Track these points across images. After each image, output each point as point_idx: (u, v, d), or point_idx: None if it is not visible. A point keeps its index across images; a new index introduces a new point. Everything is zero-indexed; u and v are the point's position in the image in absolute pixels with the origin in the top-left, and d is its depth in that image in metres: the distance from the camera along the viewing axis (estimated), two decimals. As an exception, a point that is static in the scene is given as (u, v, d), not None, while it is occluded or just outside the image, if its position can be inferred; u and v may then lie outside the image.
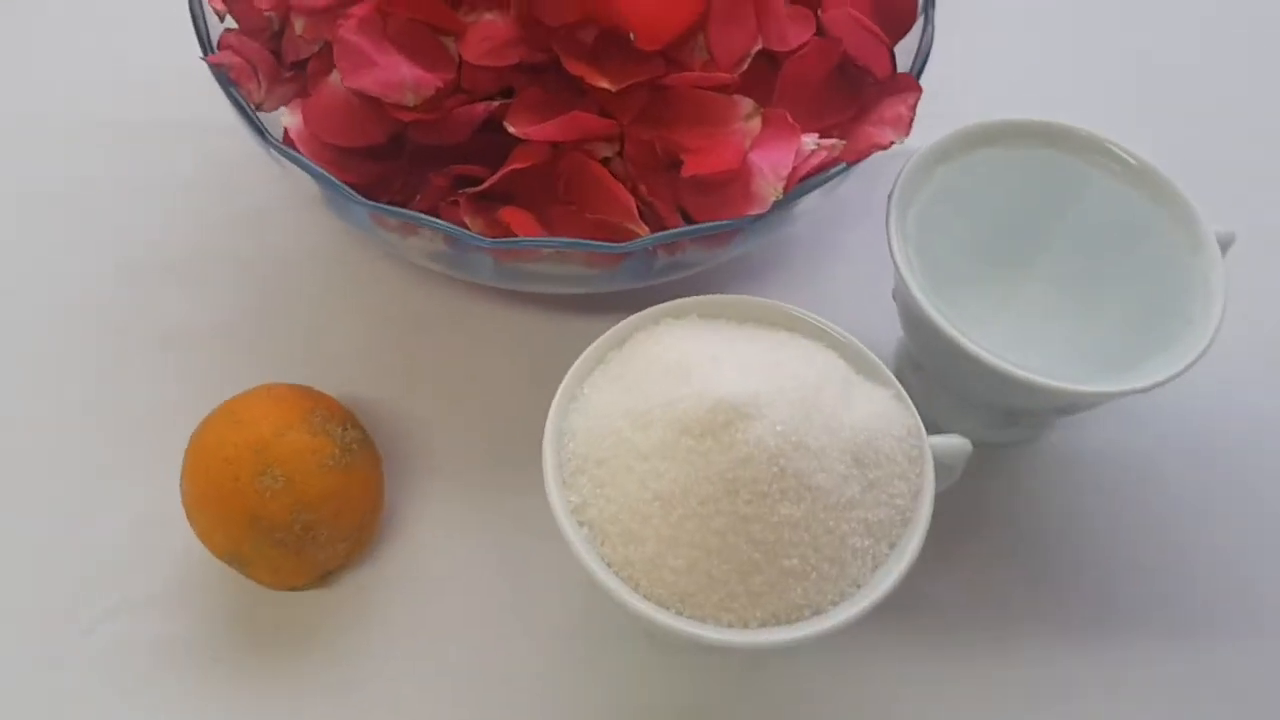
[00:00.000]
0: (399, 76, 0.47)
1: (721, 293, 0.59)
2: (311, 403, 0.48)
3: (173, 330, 0.57)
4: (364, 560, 0.51)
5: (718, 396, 0.41)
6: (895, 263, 0.49)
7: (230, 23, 0.53)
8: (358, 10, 0.48)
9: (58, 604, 0.50)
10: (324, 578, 0.49)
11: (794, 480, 0.41)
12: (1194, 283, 0.50)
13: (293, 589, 0.49)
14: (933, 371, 0.54)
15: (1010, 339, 0.54)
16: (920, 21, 0.54)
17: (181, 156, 0.62)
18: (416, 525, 0.52)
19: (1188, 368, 0.48)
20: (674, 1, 0.48)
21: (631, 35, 0.47)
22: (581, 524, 0.43)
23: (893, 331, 0.55)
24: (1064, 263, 0.55)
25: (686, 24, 0.48)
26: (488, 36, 0.49)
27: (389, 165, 0.50)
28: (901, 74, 0.52)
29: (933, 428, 0.56)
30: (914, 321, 0.50)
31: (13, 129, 0.65)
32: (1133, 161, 0.53)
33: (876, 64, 0.52)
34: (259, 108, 0.51)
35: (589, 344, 0.46)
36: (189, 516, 0.47)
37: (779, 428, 0.41)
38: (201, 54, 0.51)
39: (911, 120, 0.50)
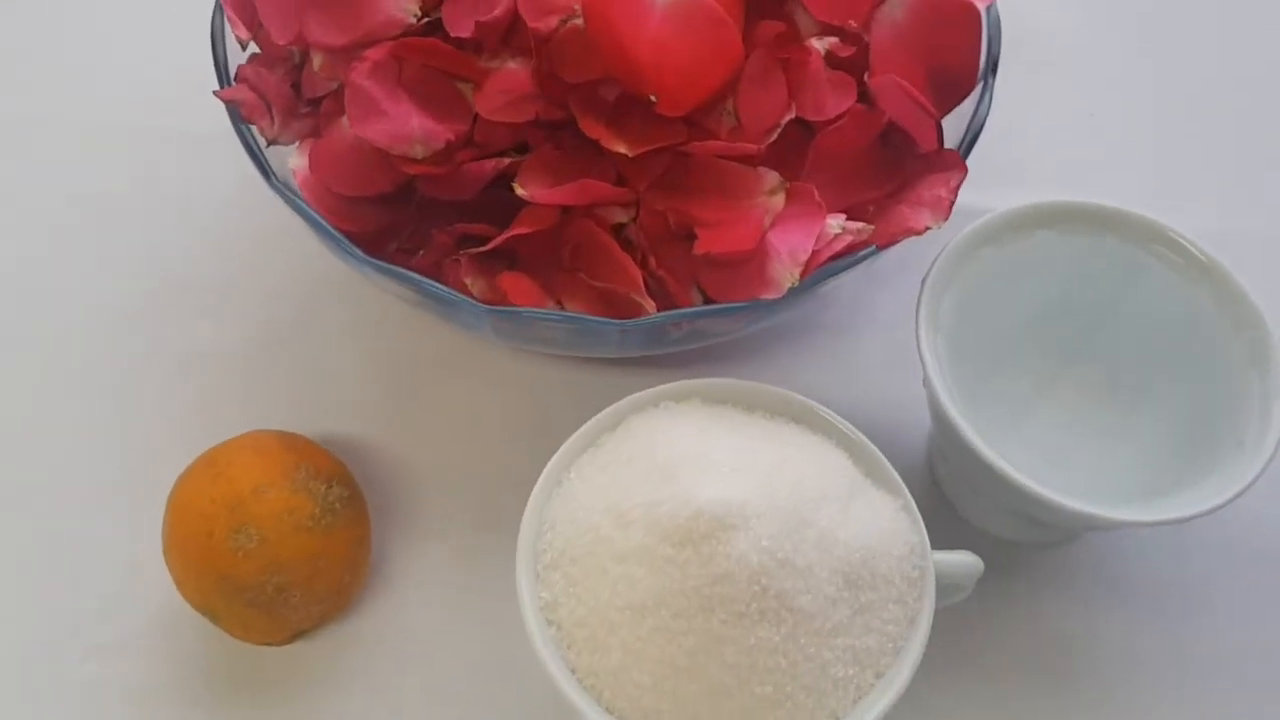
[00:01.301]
0: (408, 128, 0.45)
1: (740, 359, 0.57)
2: (297, 456, 0.47)
3: (181, 356, 0.56)
4: (346, 615, 0.49)
5: (701, 503, 0.39)
6: (922, 356, 0.46)
7: (254, 48, 0.52)
8: (373, 54, 0.46)
9: (39, 639, 0.49)
10: (301, 634, 0.48)
11: (775, 601, 0.38)
12: (1251, 400, 0.46)
13: (267, 644, 0.48)
14: (958, 469, 0.50)
15: (1044, 437, 0.50)
16: (978, 90, 0.50)
17: (217, 170, 0.61)
18: (403, 580, 0.51)
19: (1233, 499, 0.43)
20: (701, 65, 0.45)
21: (652, 99, 0.44)
22: (551, 623, 0.41)
23: (927, 410, 0.52)
24: (1110, 359, 0.51)
25: (713, 89, 0.45)
26: (506, 88, 0.46)
27: (397, 213, 0.48)
28: (947, 150, 0.48)
29: (958, 520, 0.53)
30: (939, 418, 0.47)
31: (47, 134, 0.64)
32: (1199, 255, 0.49)
33: (922, 137, 0.48)
34: (273, 142, 0.49)
35: (598, 401, 0.44)
36: (166, 564, 0.46)
37: (765, 542, 0.38)
38: (217, 86, 0.49)
39: (951, 204, 0.46)
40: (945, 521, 0.52)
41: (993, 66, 0.51)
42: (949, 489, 0.53)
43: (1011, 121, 0.55)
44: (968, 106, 0.50)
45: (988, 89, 0.50)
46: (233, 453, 0.47)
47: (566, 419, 0.52)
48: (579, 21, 0.45)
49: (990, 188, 0.56)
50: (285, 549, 0.45)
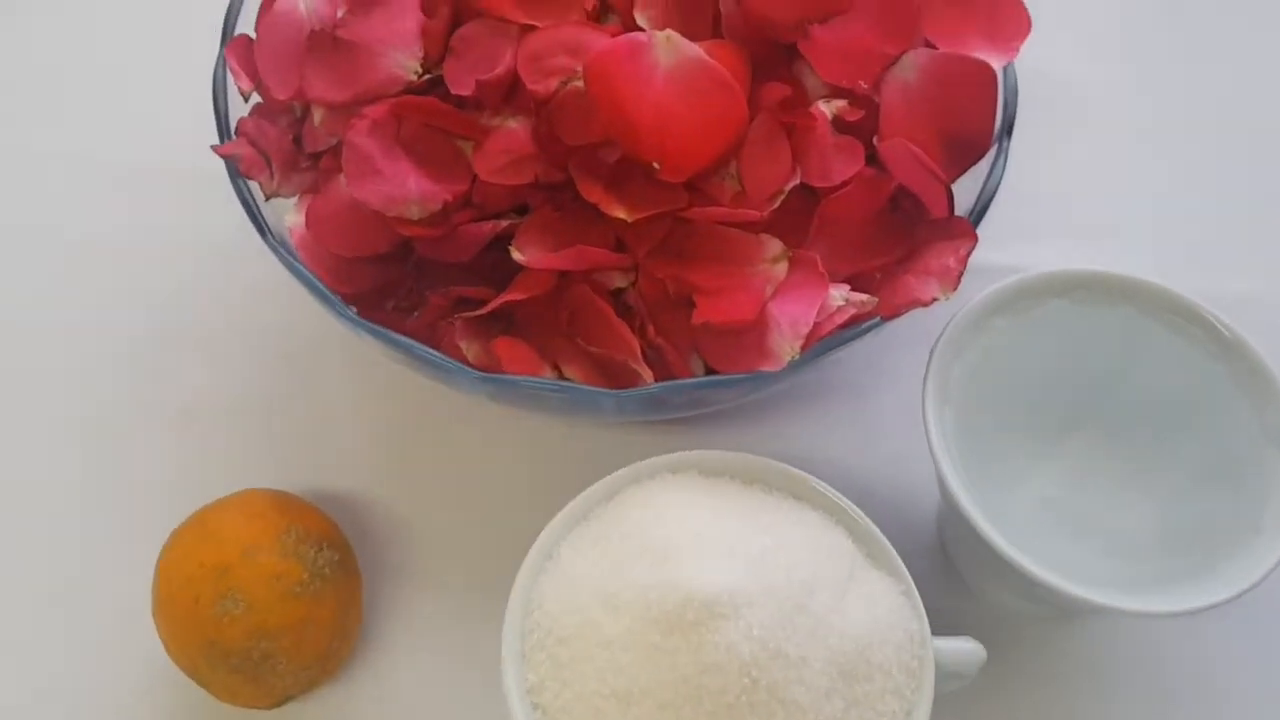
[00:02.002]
0: (404, 189, 0.45)
1: (747, 418, 0.56)
2: (288, 519, 0.46)
3: (175, 406, 0.56)
4: (336, 679, 0.49)
5: (691, 590, 0.38)
6: (928, 431, 0.45)
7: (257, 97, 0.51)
8: (372, 111, 0.46)
9: (27, 691, 0.49)
10: (289, 699, 0.47)
11: (766, 694, 0.37)
12: (1269, 482, 0.44)
13: (254, 709, 0.47)
14: (965, 544, 0.49)
15: (1055, 509, 0.49)
16: (992, 153, 0.48)
17: (215, 212, 0.60)
18: (394, 644, 0.50)
19: (1249, 589, 0.42)
20: (705, 129, 0.44)
21: (655, 166, 0.43)
22: (536, 706, 0.39)
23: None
24: (1122, 432, 0.49)
25: (716, 155, 0.44)
26: (506, 148, 0.46)
27: (393, 271, 0.48)
28: (957, 218, 0.46)
29: (965, 590, 0.51)
30: (944, 494, 0.45)
31: (47, 173, 0.64)
32: (1220, 329, 0.47)
33: (932, 203, 0.47)
34: (272, 196, 0.49)
35: (598, 458, 0.43)
36: (155, 622, 0.46)
37: (756, 632, 0.37)
38: (217, 139, 0.49)
39: (960, 275, 0.45)
40: (953, 589, 0.51)
41: (1008, 129, 0.49)
42: (957, 559, 0.52)
43: (1028, 173, 0.53)
44: (981, 169, 0.49)
45: (1002, 152, 0.49)
46: (223, 514, 0.46)
47: (566, 477, 0.51)
48: (579, 83, 0.44)
49: (1005, 244, 0.54)
50: (272, 615, 0.44)
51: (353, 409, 0.55)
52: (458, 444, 0.54)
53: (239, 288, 0.58)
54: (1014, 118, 0.50)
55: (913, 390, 0.47)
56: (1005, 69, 0.50)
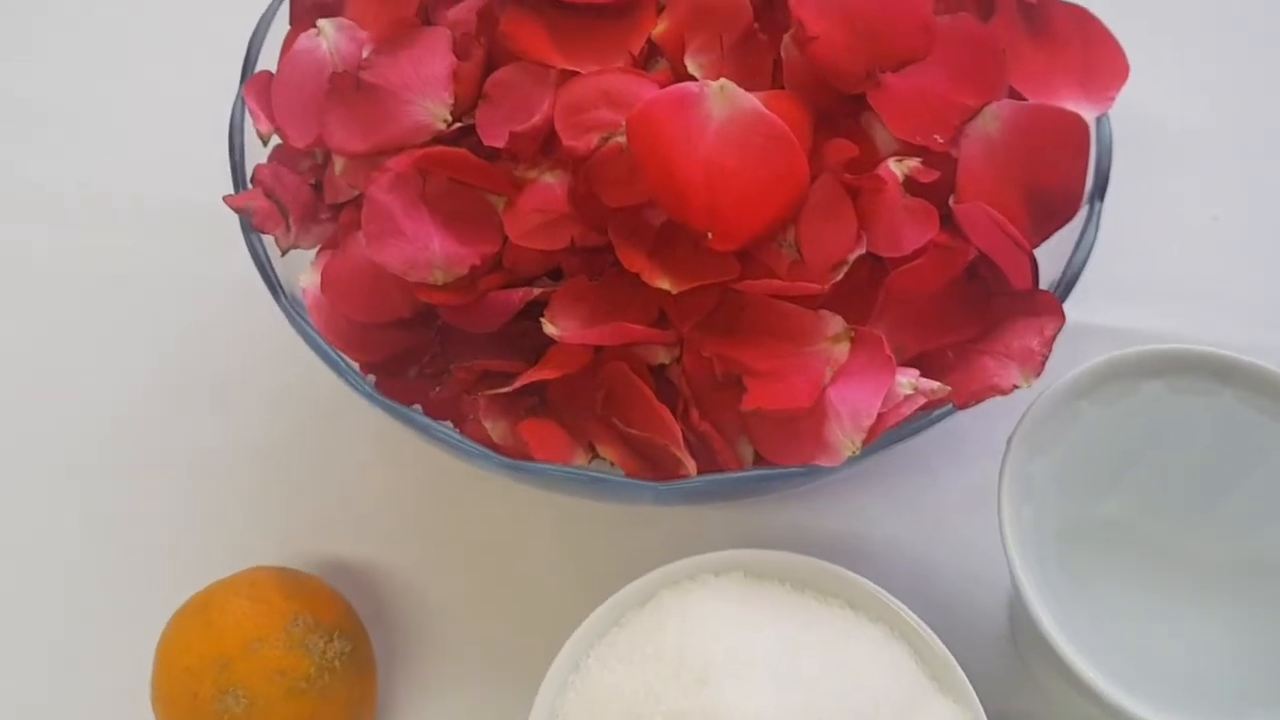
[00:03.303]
0: (428, 251, 0.41)
1: (799, 493, 0.51)
2: (297, 605, 0.43)
3: (181, 463, 0.52)
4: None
5: (731, 722, 0.33)
6: (1003, 532, 0.40)
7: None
8: (396, 163, 0.42)
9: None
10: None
11: (812, 845, 0.33)
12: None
13: (257, 806, 0.43)
14: (1040, 654, 0.44)
15: (1147, 622, 0.44)
16: (1082, 217, 0.43)
17: (232, 251, 0.57)
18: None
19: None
20: (761, 192, 0.40)
21: (709, 236, 0.39)
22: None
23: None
24: (1230, 537, 0.44)
25: (773, 221, 0.40)
26: (541, 205, 0.41)
27: (417, 336, 0.44)
28: (1041, 292, 0.42)
29: (1037, 688, 0.46)
30: (1019, 598, 0.40)
31: (59, 208, 0.61)
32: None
33: (1014, 273, 0.42)
34: (290, 250, 0.45)
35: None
36: (154, 711, 0.42)
37: (804, 774, 0.33)
38: (233, 186, 0.45)
39: (1044, 359, 0.40)
40: (1024, 689, 0.46)
41: (1100, 190, 0.44)
42: (1030, 663, 0.47)
43: (1121, 223, 0.48)
44: (1069, 232, 0.44)
45: (1094, 217, 0.44)
46: (226, 598, 0.43)
47: (601, 554, 0.47)
48: (621, 139, 0.40)
49: (1091, 301, 0.49)
50: (275, 715, 0.40)
51: (373, 470, 0.51)
52: (485, 514, 0.50)
53: (256, 335, 0.54)
54: (1108, 177, 0.45)
55: (985, 464, 0.43)
56: (1099, 121, 0.45)
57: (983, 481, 0.44)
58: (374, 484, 0.51)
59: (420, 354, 0.44)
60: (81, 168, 0.62)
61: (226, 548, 0.47)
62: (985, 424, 0.45)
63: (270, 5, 0.50)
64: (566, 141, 0.40)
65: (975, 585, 0.49)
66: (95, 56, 0.66)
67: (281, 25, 0.50)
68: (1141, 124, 0.51)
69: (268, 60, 0.49)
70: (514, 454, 0.41)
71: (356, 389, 0.41)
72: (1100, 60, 0.46)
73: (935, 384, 0.39)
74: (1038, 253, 0.43)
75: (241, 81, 0.48)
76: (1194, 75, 0.63)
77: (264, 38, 0.49)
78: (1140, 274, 0.57)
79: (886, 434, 0.39)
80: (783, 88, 0.42)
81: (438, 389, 0.43)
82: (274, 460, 0.52)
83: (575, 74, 0.42)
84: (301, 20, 0.49)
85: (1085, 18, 0.46)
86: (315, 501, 0.51)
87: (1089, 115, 0.44)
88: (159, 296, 0.57)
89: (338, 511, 0.51)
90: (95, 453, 0.53)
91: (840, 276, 0.40)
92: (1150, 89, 0.47)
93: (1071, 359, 0.43)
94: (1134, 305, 0.56)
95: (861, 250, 0.40)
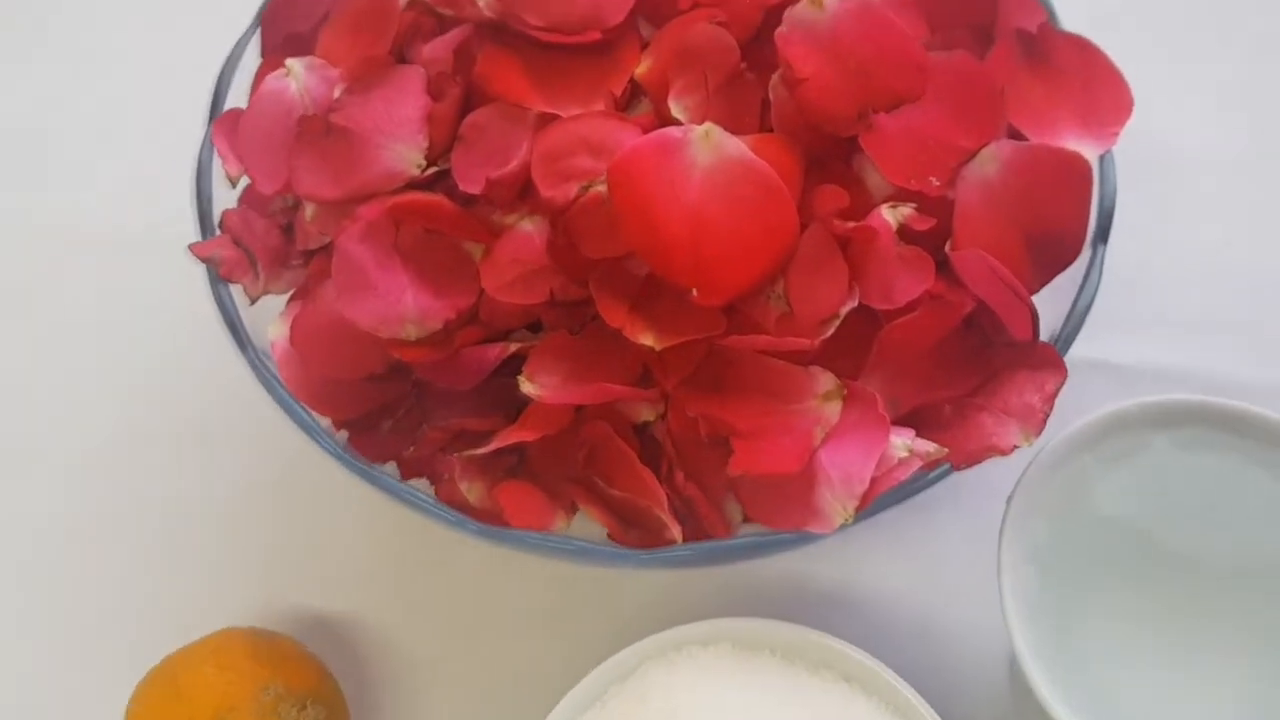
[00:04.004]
0: (400, 306, 0.39)
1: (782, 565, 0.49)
2: (269, 671, 0.41)
3: (149, 513, 0.50)
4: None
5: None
6: (1003, 599, 0.38)
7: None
8: (368, 211, 0.40)
9: None
10: None
11: None
12: None
13: None
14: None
15: (1145, 690, 0.42)
16: (1084, 263, 0.42)
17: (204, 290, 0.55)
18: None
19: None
20: (748, 244, 0.38)
21: (693, 291, 0.37)
22: None
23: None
24: (1236, 606, 0.42)
25: (761, 274, 0.38)
26: (518, 257, 0.40)
27: (391, 390, 0.42)
28: (1042, 345, 0.40)
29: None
30: (1020, 673, 0.39)
31: (21, 242, 0.59)
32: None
33: (1014, 324, 0.40)
34: (258, 299, 0.43)
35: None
36: (121, 782, 0.41)
37: None
38: (199, 231, 0.43)
39: (1046, 417, 0.38)
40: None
41: (1103, 234, 0.42)
42: None
43: (1125, 251, 0.46)
44: (1071, 278, 0.42)
45: (1096, 261, 0.42)
46: (195, 665, 0.41)
47: (585, 612, 0.46)
48: (602, 188, 0.38)
49: (1093, 333, 0.47)
50: (244, 789, 0.39)
51: (351, 521, 0.50)
52: (466, 568, 0.49)
53: (228, 375, 0.52)
54: (1110, 219, 0.43)
55: (984, 504, 0.41)
56: (1102, 159, 0.43)
57: (982, 522, 0.42)
58: (352, 536, 0.49)
59: (395, 407, 0.42)
60: (48, 198, 0.60)
61: (197, 604, 0.46)
62: (985, 469, 0.43)
63: (241, 37, 0.48)
64: (545, 192, 0.38)
65: (974, 634, 0.48)
66: (63, 82, 0.64)
67: (254, 57, 0.48)
68: (1145, 145, 0.49)
69: (239, 94, 0.47)
70: (490, 519, 0.39)
71: (326, 449, 0.39)
72: (1103, 94, 0.44)
73: (931, 446, 0.37)
74: (1038, 297, 0.41)
75: (210, 118, 0.46)
76: (1200, 92, 0.61)
77: (234, 71, 0.48)
78: (1147, 305, 0.55)
79: (880, 499, 0.37)
80: (771, 130, 0.41)
81: (411, 449, 0.41)
82: (248, 510, 0.50)
83: (554, 116, 0.40)
84: (272, 54, 0.47)
85: (1087, 48, 0.44)
86: (290, 554, 0.49)
87: (1091, 153, 0.42)
88: (126, 333, 0.55)
89: (313, 565, 0.49)
90: (55, 502, 0.51)
91: (831, 331, 0.38)
92: (1153, 107, 0.45)
93: (1074, 398, 0.41)
94: (1141, 339, 0.54)
95: (854, 303, 0.38)
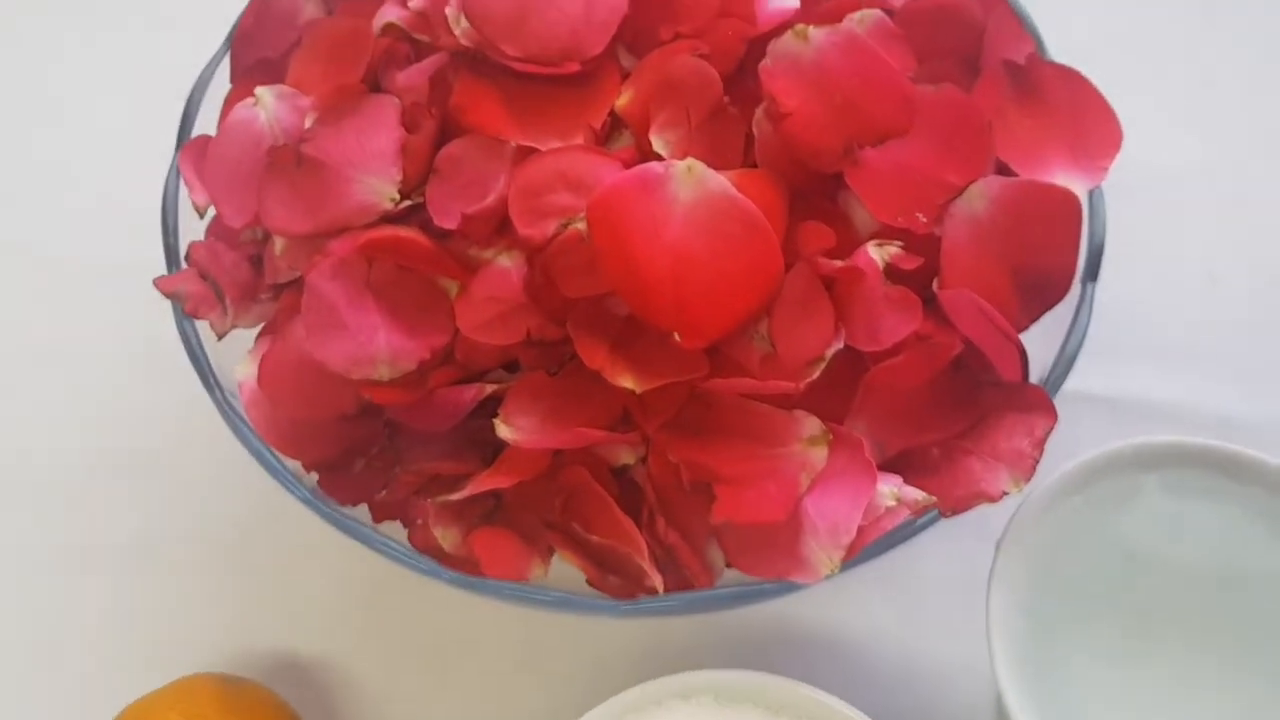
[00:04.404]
0: (371, 347, 0.38)
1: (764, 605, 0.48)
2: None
3: (110, 552, 0.49)
4: None
5: None
6: (992, 650, 0.37)
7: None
8: (339, 247, 0.39)
9: None
10: None
11: None
12: None
13: None
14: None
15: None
16: (1074, 302, 0.41)
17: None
18: None
19: None
20: (732, 284, 0.37)
21: (676, 337, 0.36)
22: None
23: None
24: (1233, 646, 0.41)
25: (744, 315, 0.37)
26: (495, 293, 0.38)
27: (365, 427, 0.41)
28: (1032, 387, 0.39)
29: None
30: (1000, 705, 0.38)
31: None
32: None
33: (1003, 365, 0.39)
34: (225, 334, 0.42)
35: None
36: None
37: None
38: (165, 264, 0.42)
39: (1036, 462, 0.37)
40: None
41: (1093, 271, 0.41)
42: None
43: (1112, 279, 0.45)
44: (1061, 317, 0.41)
45: (1086, 300, 0.41)
46: (159, 714, 0.40)
47: (564, 656, 0.45)
48: (581, 226, 0.37)
49: (1084, 365, 0.46)
50: (209, 845, 0.37)
51: (324, 560, 0.48)
52: (443, 610, 0.47)
53: (195, 409, 0.50)
54: (1101, 257, 0.42)
55: (973, 548, 0.40)
56: (1092, 194, 0.43)
57: (970, 559, 0.41)
58: (323, 576, 0.48)
59: (367, 446, 0.41)
60: (10, 219, 0.58)
61: (161, 647, 0.44)
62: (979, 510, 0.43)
63: (210, 61, 0.47)
64: (522, 230, 0.37)
65: (961, 676, 0.47)
66: (31, 100, 0.62)
67: (224, 81, 0.47)
68: (1129, 171, 0.48)
69: (210, 117, 0.46)
70: (465, 567, 0.38)
71: (296, 495, 0.38)
72: (1092, 126, 0.43)
73: (919, 494, 0.36)
74: (1026, 335, 0.41)
75: (178, 145, 0.45)
76: (1183, 118, 0.60)
77: (203, 96, 0.46)
78: (1132, 336, 0.54)
79: (867, 549, 0.36)
80: (754, 165, 0.40)
81: (383, 492, 0.40)
82: (215, 549, 0.49)
83: (532, 150, 0.39)
84: (242, 79, 0.46)
85: (1075, 80, 0.44)
86: (260, 595, 0.48)
87: (1081, 188, 0.41)
88: (87, 365, 0.53)
89: (284, 606, 0.48)
90: (11, 538, 0.50)
91: (817, 375, 0.37)
92: (1135, 133, 0.45)
93: (1060, 431, 0.40)
94: (1126, 371, 0.53)
95: (839, 345, 0.37)
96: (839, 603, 0.48)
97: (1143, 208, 0.53)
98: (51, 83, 0.62)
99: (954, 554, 0.48)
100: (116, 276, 0.53)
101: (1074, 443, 0.40)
